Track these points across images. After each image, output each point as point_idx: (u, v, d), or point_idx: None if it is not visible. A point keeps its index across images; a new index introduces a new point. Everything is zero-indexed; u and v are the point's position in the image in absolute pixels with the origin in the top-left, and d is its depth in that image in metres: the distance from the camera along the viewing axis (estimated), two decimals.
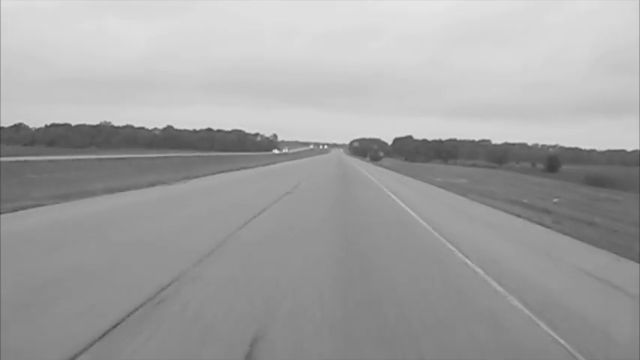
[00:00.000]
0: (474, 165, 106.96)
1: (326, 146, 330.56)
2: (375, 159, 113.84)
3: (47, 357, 3.49)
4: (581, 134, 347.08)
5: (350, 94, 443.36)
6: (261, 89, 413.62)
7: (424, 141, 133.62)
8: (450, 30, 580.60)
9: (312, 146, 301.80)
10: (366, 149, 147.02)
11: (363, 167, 59.23)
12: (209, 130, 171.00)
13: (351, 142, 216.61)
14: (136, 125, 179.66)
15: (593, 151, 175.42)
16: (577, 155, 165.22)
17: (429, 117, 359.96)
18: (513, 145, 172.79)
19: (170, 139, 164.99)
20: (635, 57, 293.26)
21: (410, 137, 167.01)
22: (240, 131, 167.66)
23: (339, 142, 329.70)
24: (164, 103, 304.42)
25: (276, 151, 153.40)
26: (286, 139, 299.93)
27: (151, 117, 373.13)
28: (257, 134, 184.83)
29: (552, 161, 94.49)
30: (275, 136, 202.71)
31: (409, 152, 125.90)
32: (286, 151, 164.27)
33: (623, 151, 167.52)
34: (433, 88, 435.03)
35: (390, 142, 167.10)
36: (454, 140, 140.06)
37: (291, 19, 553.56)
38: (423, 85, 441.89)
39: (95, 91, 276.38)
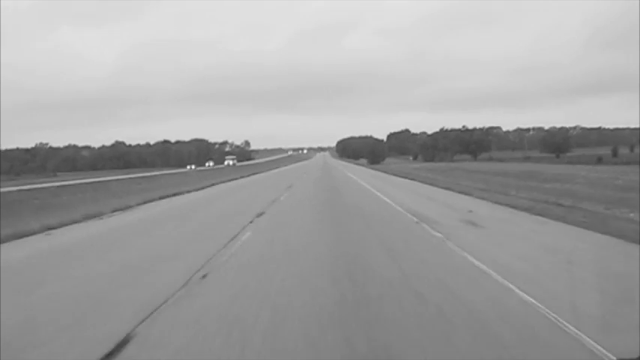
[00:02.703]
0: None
1: (305, 150, 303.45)
2: (375, 162, 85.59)
3: None
4: (595, 113, 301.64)
5: (332, 95, 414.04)
6: (235, 97, 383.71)
7: (444, 131, 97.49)
8: (431, 19, 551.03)
9: (290, 152, 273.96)
10: (358, 149, 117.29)
11: (379, 189, 31.14)
12: (165, 142, 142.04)
13: (338, 143, 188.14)
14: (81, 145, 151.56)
15: (616, 129, 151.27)
16: (603, 136, 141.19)
17: (419, 111, 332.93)
18: (527, 130, 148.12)
19: (117, 157, 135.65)
20: None
21: (407, 131, 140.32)
22: (201, 140, 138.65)
23: (325, 145, 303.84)
24: (138, 119, 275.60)
25: (209, 164, 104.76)
26: (269, 147, 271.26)
27: (128, 134, 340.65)
28: (225, 142, 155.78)
29: None
30: (247, 143, 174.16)
31: (422, 148, 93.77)
32: (230, 163, 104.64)
33: None
34: (420, 81, 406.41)
35: (383, 139, 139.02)
36: (475, 130, 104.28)
37: (261, 21, 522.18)
38: (408, 78, 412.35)
39: (67, 114, 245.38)
